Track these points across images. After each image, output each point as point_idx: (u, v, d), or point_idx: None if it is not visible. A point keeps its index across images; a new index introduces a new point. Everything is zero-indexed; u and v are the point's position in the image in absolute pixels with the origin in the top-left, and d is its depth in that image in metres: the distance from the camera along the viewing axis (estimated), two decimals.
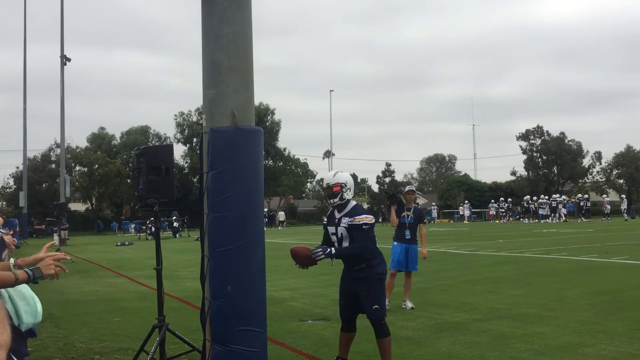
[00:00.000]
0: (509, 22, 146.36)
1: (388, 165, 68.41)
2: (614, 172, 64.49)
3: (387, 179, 67.11)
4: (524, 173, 65.90)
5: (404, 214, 8.92)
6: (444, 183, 74.61)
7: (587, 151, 64.48)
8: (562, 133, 64.49)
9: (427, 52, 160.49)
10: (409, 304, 8.68)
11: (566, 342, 6.31)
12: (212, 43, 4.22)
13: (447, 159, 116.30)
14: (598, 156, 64.69)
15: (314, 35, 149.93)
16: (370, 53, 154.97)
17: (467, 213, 52.20)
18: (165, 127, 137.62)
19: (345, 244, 5.13)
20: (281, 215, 53.01)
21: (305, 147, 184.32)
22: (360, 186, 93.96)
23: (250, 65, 4.32)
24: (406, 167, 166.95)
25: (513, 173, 67.41)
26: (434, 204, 61.50)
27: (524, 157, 65.40)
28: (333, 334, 7.12)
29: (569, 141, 64.26)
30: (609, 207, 45.33)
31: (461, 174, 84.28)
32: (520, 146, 66.00)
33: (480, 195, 60.90)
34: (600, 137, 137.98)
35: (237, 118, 4.08)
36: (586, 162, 64.56)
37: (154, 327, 5.76)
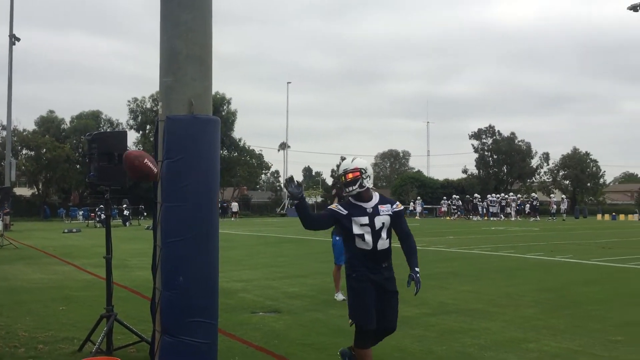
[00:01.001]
0: (467, 22, 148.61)
1: (343, 159, 68.73)
2: (561, 173, 66.51)
3: None
4: (475, 171, 67.29)
5: None
6: (398, 179, 75.46)
7: (536, 152, 66.23)
8: (513, 133, 66.06)
9: (386, 48, 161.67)
10: (341, 296, 8.95)
11: (511, 337, 6.48)
12: (171, 30, 4.14)
13: (401, 154, 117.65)
14: (546, 157, 66.55)
15: (273, 25, 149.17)
16: (329, 46, 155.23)
17: (419, 209, 53.00)
18: (118, 112, 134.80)
19: (384, 235, 4.54)
20: (234, 206, 52.65)
21: (260, 138, 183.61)
22: (315, 179, 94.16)
23: (209, 53, 4.26)
24: (361, 162, 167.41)
25: (464, 171, 68.77)
26: None
27: (476, 155, 66.77)
28: (284, 326, 7.13)
29: (519, 141, 65.86)
30: (555, 207, 46.78)
31: (414, 170, 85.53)
32: (473, 145, 67.31)
33: (433, 191, 61.86)
34: (549, 139, 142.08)
35: (195, 107, 4.02)
36: (534, 162, 66.34)
37: (101, 317, 5.64)
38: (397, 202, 4.73)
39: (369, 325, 4.50)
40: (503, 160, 65.24)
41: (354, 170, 4.63)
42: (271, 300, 8.93)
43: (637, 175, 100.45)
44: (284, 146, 72.87)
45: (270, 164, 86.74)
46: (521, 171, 64.58)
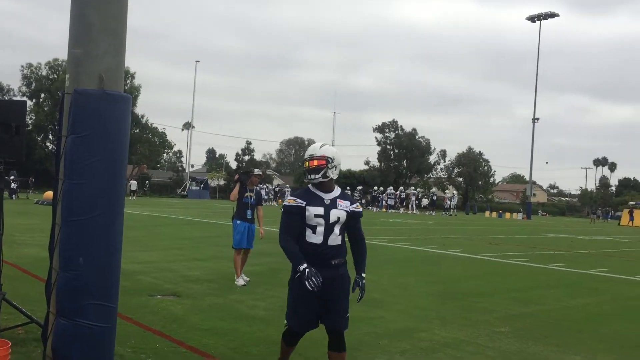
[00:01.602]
0: (377, 18, 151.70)
1: (248, 143, 68.36)
2: (455, 170, 69.72)
3: (246, 157, 67.03)
4: (377, 164, 69.08)
5: (247, 194, 9.28)
6: (301, 166, 75.92)
7: (434, 148, 68.99)
8: (414, 129, 68.38)
9: (298, 36, 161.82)
10: (245, 278, 9.17)
11: (404, 326, 6.76)
12: None
13: (306, 142, 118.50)
14: (443, 154, 69.50)
15: (185, 1, 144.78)
16: (242, 28, 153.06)
17: (289, 196, 53.62)
18: (9, 78, 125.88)
19: (337, 230, 4.20)
20: (133, 185, 50.85)
21: (164, 116, 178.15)
22: (218, 162, 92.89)
23: (124, 26, 4.09)
24: (266, 147, 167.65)
25: (367, 163, 70.42)
26: (287, 186, 62.45)
27: (378, 148, 68.53)
28: (182, 310, 7.03)
29: (419, 137, 68.27)
30: (449, 202, 49.01)
31: None
32: (376, 138, 69.02)
33: (335, 181, 62.82)
34: (447, 137, 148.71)
35: (105, 82, 3.85)
36: (432, 158, 69.11)
37: None
38: (358, 204, 4.47)
39: (301, 328, 4.32)
40: (404, 155, 67.40)
41: (320, 158, 4.28)
42: (170, 283, 8.77)
43: (523, 176, 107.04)
44: (188, 126, 71.35)
45: (173, 143, 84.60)
46: (420, 166, 67.04)
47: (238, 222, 9.19)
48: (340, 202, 4.27)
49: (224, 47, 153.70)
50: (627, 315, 8.27)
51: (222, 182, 63.49)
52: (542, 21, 56.01)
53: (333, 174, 4.31)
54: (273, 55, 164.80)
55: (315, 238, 4.18)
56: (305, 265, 4.04)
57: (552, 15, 55.62)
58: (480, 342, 6.22)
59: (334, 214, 4.21)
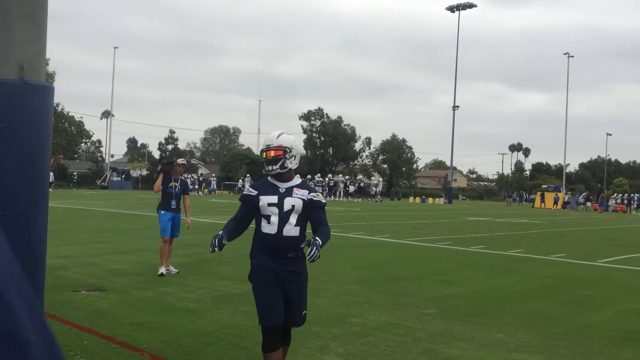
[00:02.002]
0: (303, 6, 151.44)
1: (172, 132, 66.83)
2: (380, 157, 71.02)
3: (170, 146, 65.56)
4: (304, 152, 69.29)
5: (171, 184, 9.23)
6: (227, 155, 75.25)
7: (360, 136, 69.95)
8: (340, 117, 69.00)
9: (221, 22, 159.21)
10: (173, 269, 9.12)
11: (336, 312, 6.88)
12: None
13: (231, 131, 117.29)
14: (368, 141, 70.60)
15: None
16: (162, 13, 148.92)
17: (247, 186, 53.39)
18: None
19: (293, 220, 4.02)
20: (49, 176, 48.73)
21: (81, 104, 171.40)
22: (140, 151, 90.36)
23: (44, 12, 3.91)
24: (190, 136, 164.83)
25: None
26: (213, 175, 61.70)
27: (304, 136, 68.74)
28: (110, 305, 6.85)
29: (345, 125, 68.99)
30: (374, 189, 49.94)
31: (244, 148, 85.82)
32: (302, 125, 69.20)
33: (261, 169, 62.52)
34: (372, 124, 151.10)
35: (25, 71, 3.67)
36: (358, 146, 70.05)
37: None
38: (320, 194, 4.24)
39: (270, 321, 3.95)
40: (329, 143, 67.95)
41: (277, 148, 4.09)
42: (95, 277, 8.51)
43: (444, 162, 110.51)
44: (107, 114, 68.91)
45: (91, 133, 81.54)
46: (345, 154, 67.83)
47: (162, 212, 9.14)
48: (297, 191, 4.09)
49: (143, 32, 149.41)
50: (543, 293, 8.75)
51: (144, 173, 61.86)
52: (461, 11, 57.74)
53: (292, 164, 4.15)
54: (196, 42, 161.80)
55: (269, 228, 4.00)
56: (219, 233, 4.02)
57: (470, 5, 57.40)
58: (409, 324, 6.42)
59: (289, 202, 4.03)
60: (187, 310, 6.76)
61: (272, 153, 4.09)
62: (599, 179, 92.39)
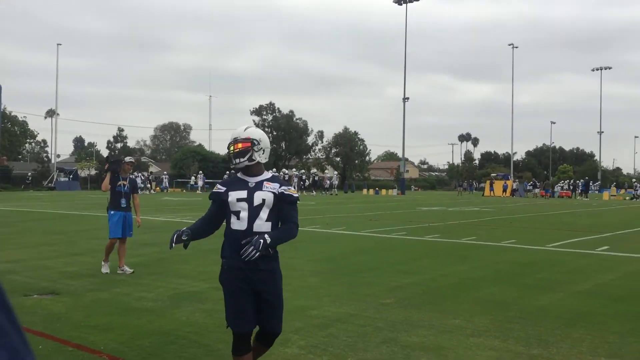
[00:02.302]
0: (251, 0, 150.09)
1: (120, 130, 65.46)
2: (333, 151, 71.37)
3: (119, 145, 64.18)
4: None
5: (120, 182, 9.13)
6: (178, 152, 74.20)
7: (312, 130, 70.15)
8: (291, 111, 69.05)
9: (167, 17, 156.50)
10: (128, 269, 9.02)
11: (296, 306, 6.88)
12: None
13: (182, 128, 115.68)
14: (320, 135, 70.87)
15: None
16: (105, 9, 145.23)
17: (200, 183, 52.82)
18: None
19: (263, 215, 3.83)
20: None
21: (24, 104, 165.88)
22: (88, 150, 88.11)
23: None
24: (140, 134, 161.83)
25: None
26: (165, 173, 60.77)
27: None
28: (64, 308, 6.68)
29: (297, 119, 69.05)
30: (328, 182, 50.17)
31: (196, 144, 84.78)
32: (254, 120, 68.84)
33: (214, 166, 62.05)
34: (324, 118, 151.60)
35: None
36: (310, 139, 70.21)
37: None
38: (291, 188, 4.02)
39: (238, 327, 3.81)
40: (282, 137, 67.90)
41: (244, 140, 3.95)
42: (47, 281, 8.27)
43: (396, 154, 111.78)
44: (52, 113, 66.91)
45: (36, 133, 79.04)
46: (298, 148, 67.91)
47: (112, 212, 9.03)
48: (267, 184, 3.92)
49: (89, 28, 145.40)
50: (497, 278, 8.98)
51: (93, 172, 60.36)
52: (408, 4, 58.38)
53: (260, 158, 3.99)
54: (144, 37, 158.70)
55: (239, 224, 3.82)
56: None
57: None
58: (369, 315, 6.48)
59: (259, 196, 3.85)
60: (145, 310, 6.65)
61: (240, 145, 3.94)
62: (545, 166, 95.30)
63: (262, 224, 3.83)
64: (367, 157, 74.64)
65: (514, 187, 55.69)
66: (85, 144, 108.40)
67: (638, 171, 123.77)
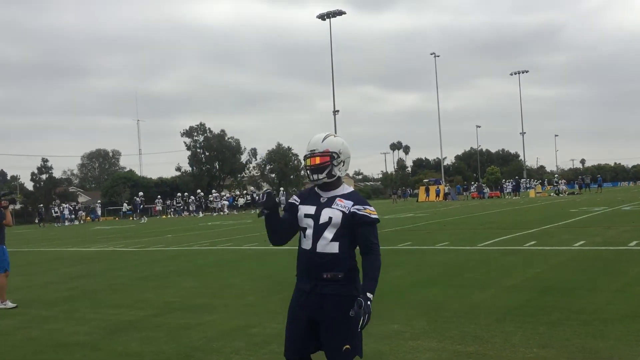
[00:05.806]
0: (171, 21, 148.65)
1: (45, 160, 62.99)
2: (267, 167, 71.29)
3: (44, 176, 61.80)
4: (189, 168, 68.04)
5: None
6: (108, 179, 72.19)
7: (245, 148, 69.87)
8: (223, 130, 68.58)
9: (84, 42, 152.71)
10: (10, 303, 8.84)
11: (235, 325, 6.82)
12: None
13: (110, 154, 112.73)
14: (254, 152, 70.73)
15: None
16: (16, 35, 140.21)
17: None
18: None
19: (328, 234, 3.40)
20: None
21: None
22: (11, 184, 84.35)
23: None
24: (66, 163, 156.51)
25: (178, 169, 69.08)
26: (99, 201, 58.96)
27: (189, 153, 67.54)
28: None
29: (228, 138, 68.61)
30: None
31: (126, 170, 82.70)
32: (185, 142, 67.99)
33: (147, 190, 60.72)
34: (256, 135, 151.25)
35: None
36: (244, 158, 69.91)
37: None
38: (368, 207, 3.46)
39: (287, 354, 3.54)
40: (215, 157, 67.27)
41: (323, 154, 3.46)
42: None
43: None
44: None
45: None
46: (232, 167, 67.44)
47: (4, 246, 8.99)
48: (339, 201, 3.44)
49: (2, 56, 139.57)
50: (432, 280, 9.20)
51: (18, 206, 57.79)
52: (332, 19, 59.29)
53: (340, 171, 3.52)
54: (59, 63, 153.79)
55: (305, 243, 3.48)
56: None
57: (340, 13, 59.10)
58: None
59: (326, 214, 3.42)
60: (78, 344, 6.42)
61: (318, 160, 3.47)
62: (474, 168, 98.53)
63: (327, 245, 3.41)
64: (302, 172, 74.94)
65: (446, 191, 57.24)
66: (8, 177, 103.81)
67: (560, 168, 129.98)
